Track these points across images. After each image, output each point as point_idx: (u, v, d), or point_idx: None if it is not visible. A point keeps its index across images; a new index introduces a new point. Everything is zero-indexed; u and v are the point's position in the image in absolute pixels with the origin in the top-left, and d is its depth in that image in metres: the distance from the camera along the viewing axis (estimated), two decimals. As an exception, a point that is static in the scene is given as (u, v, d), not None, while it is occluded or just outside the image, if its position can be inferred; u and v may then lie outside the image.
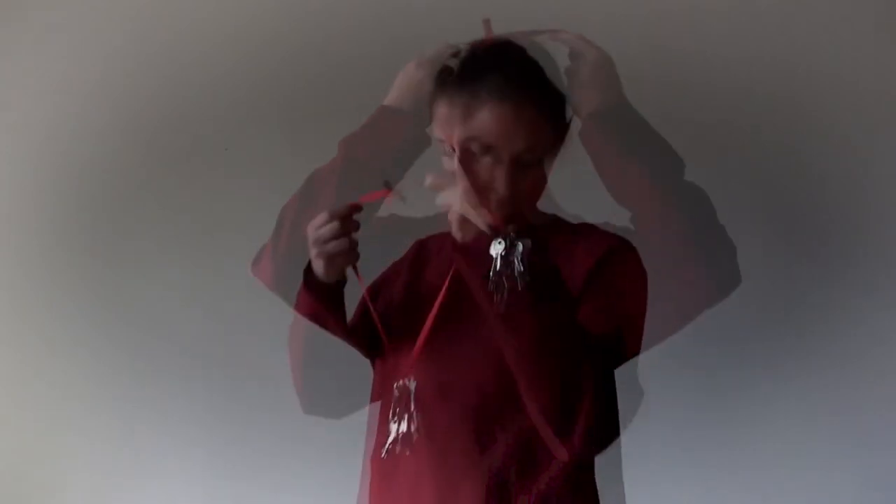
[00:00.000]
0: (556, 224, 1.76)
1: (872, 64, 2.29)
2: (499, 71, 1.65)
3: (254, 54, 2.41)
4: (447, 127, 1.69)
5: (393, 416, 1.69)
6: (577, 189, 1.76)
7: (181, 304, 2.46)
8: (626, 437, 1.92)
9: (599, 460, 1.74)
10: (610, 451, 1.69)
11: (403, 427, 1.68)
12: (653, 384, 2.27)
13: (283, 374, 2.43)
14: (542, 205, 1.76)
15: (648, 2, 2.33)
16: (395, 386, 1.70)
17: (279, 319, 2.42)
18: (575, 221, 1.78)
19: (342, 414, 1.83)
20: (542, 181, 1.69)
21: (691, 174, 2.38)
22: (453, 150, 1.69)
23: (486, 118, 1.64)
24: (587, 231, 1.73)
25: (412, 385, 1.69)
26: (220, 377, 2.46)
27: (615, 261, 1.66)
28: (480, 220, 1.63)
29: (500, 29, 1.76)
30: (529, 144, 1.64)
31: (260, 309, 2.44)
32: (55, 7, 2.47)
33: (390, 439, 1.69)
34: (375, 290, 1.80)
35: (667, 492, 2.30)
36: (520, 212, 1.69)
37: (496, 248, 1.60)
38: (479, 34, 1.74)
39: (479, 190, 1.64)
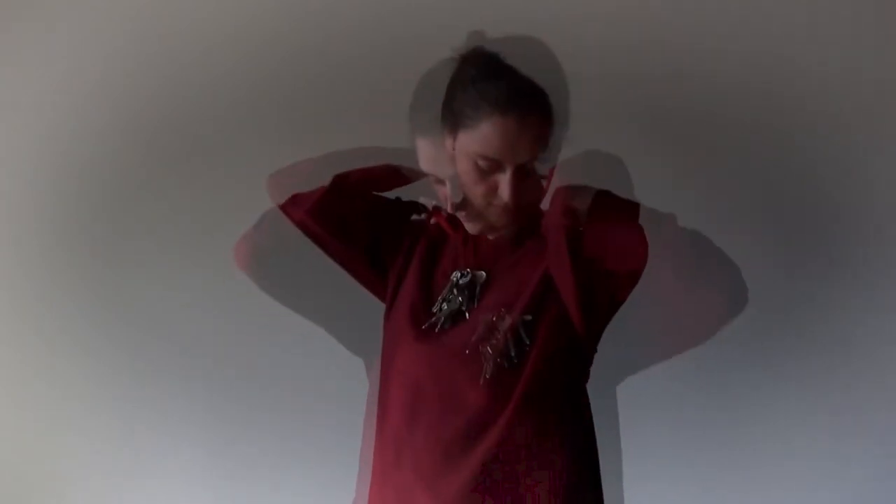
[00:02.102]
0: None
1: (873, 63, 2.29)
2: (498, 83, 1.65)
3: (254, 54, 2.41)
4: (436, 164, 1.71)
5: (443, 301, 1.73)
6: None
7: (181, 304, 2.46)
8: (625, 437, 1.92)
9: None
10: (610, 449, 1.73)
11: (453, 306, 1.72)
12: (652, 384, 2.27)
13: (283, 373, 2.44)
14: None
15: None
16: (452, 275, 1.74)
17: (279, 320, 2.42)
18: None
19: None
20: (541, 183, 1.70)
21: (692, 173, 2.39)
22: (443, 182, 1.71)
23: (487, 132, 1.64)
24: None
25: (468, 276, 1.74)
26: (220, 377, 2.46)
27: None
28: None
29: (500, 28, 1.76)
30: (533, 155, 1.65)
31: (260, 309, 2.44)
32: (55, 7, 2.46)
33: (437, 315, 1.73)
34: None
35: (665, 492, 2.30)
36: (523, 215, 1.70)
37: (486, 319, 1.65)
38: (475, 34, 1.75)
39: (481, 199, 1.66)
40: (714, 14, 2.31)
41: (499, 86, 1.65)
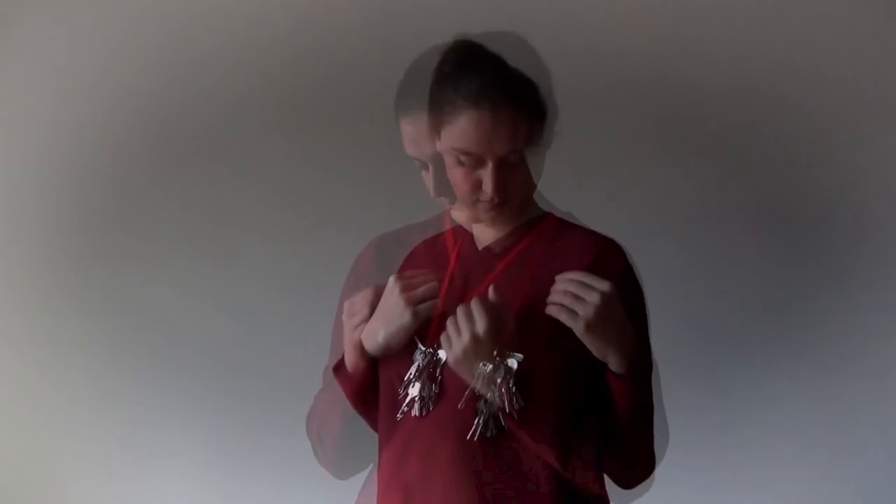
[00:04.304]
0: (549, 221, 1.76)
1: (873, 65, 2.30)
2: (470, 76, 1.65)
3: (257, 54, 2.41)
4: (417, 145, 1.70)
5: (413, 381, 1.67)
6: (569, 188, 1.77)
7: (182, 304, 2.46)
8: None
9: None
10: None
11: (423, 390, 1.67)
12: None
13: (284, 373, 2.44)
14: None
15: (650, 3, 2.33)
16: (416, 353, 1.68)
17: (280, 319, 2.43)
18: (568, 219, 1.78)
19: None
20: (529, 177, 1.70)
21: (692, 174, 2.39)
22: (427, 166, 1.70)
23: (464, 126, 1.63)
24: (579, 232, 1.74)
25: (441, 354, 1.67)
26: (221, 377, 2.46)
27: (606, 266, 1.67)
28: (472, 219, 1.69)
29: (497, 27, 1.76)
30: (513, 146, 1.64)
31: (261, 309, 2.45)
32: (56, 7, 2.47)
33: (407, 401, 1.68)
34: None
35: (664, 493, 2.30)
36: (511, 210, 1.69)
37: (480, 371, 1.63)
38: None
39: (467, 196, 1.66)
40: (716, 18, 2.32)
41: (471, 79, 1.64)
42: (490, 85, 1.63)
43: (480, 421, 1.63)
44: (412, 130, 1.74)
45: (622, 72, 2.26)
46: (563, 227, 1.74)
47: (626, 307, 1.62)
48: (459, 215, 1.76)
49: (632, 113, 2.29)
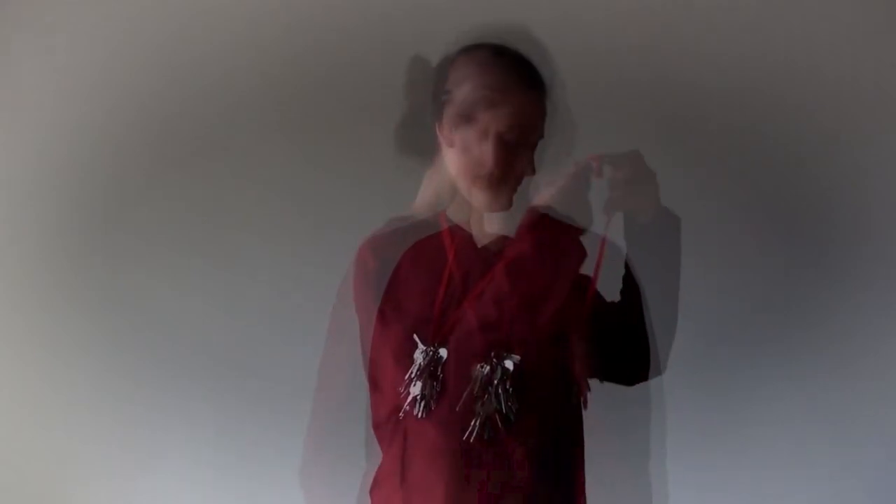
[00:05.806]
0: (546, 222, 1.76)
1: (873, 65, 2.30)
2: (522, 63, 1.68)
3: (257, 54, 2.41)
4: (463, 81, 1.70)
5: (414, 381, 1.69)
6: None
7: (182, 304, 2.46)
8: (622, 439, 1.93)
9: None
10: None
11: (424, 389, 1.69)
12: (650, 384, 2.27)
13: (284, 373, 2.44)
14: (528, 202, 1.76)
15: (650, 3, 2.33)
16: (417, 353, 1.70)
17: (280, 319, 2.43)
18: (565, 220, 1.79)
19: None
20: (528, 165, 1.71)
21: (693, 174, 2.39)
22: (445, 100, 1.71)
23: (518, 104, 1.65)
24: (577, 231, 1.75)
25: (443, 352, 1.70)
26: (221, 377, 2.46)
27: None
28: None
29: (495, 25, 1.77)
30: (512, 122, 1.66)
31: (261, 309, 2.45)
32: (56, 7, 2.47)
33: (409, 400, 1.69)
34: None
35: (665, 491, 2.30)
36: (508, 192, 1.70)
37: (478, 372, 1.64)
38: (478, 36, 1.75)
39: (470, 175, 1.67)
40: (716, 17, 2.32)
41: (479, 52, 1.67)
42: (536, 73, 1.67)
43: (477, 423, 1.63)
44: (476, 69, 1.74)
45: (622, 72, 2.27)
46: (561, 228, 1.75)
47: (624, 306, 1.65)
48: (456, 213, 1.76)
49: (632, 113, 2.29)
